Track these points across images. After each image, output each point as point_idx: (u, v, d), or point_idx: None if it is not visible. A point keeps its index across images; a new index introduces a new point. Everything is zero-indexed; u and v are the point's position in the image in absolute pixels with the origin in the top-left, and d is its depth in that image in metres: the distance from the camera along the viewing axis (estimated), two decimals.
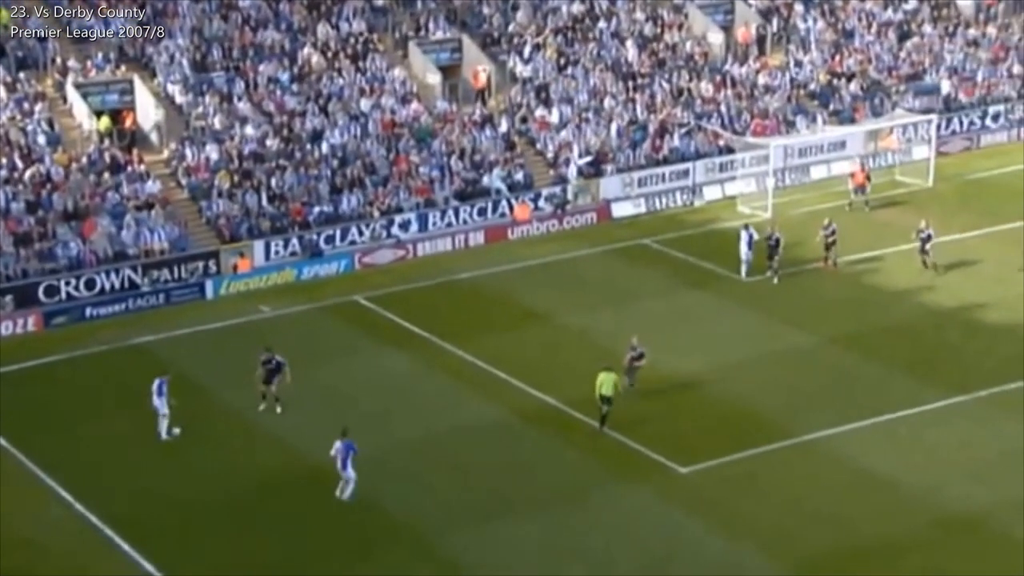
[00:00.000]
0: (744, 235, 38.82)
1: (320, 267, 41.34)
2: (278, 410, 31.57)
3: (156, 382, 30.47)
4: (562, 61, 50.20)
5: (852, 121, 49.82)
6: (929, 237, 39.57)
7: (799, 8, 55.27)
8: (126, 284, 39.43)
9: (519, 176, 45.81)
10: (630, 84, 49.89)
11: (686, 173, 46.89)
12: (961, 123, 51.56)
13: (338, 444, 27.41)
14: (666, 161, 47.16)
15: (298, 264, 41.31)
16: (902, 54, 54.08)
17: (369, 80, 47.88)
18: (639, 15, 52.88)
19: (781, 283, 38.70)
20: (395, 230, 43.19)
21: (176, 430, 30.49)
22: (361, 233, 42.68)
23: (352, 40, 49.06)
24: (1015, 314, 36.29)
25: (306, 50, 48.02)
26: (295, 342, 35.42)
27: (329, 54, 48.33)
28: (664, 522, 27.29)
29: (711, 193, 46.57)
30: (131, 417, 31.88)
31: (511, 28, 51.32)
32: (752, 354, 33.48)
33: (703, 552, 26.24)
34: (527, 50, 50.16)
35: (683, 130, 47.93)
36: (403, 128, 46.46)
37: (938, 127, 48.57)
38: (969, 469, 28.94)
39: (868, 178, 44.65)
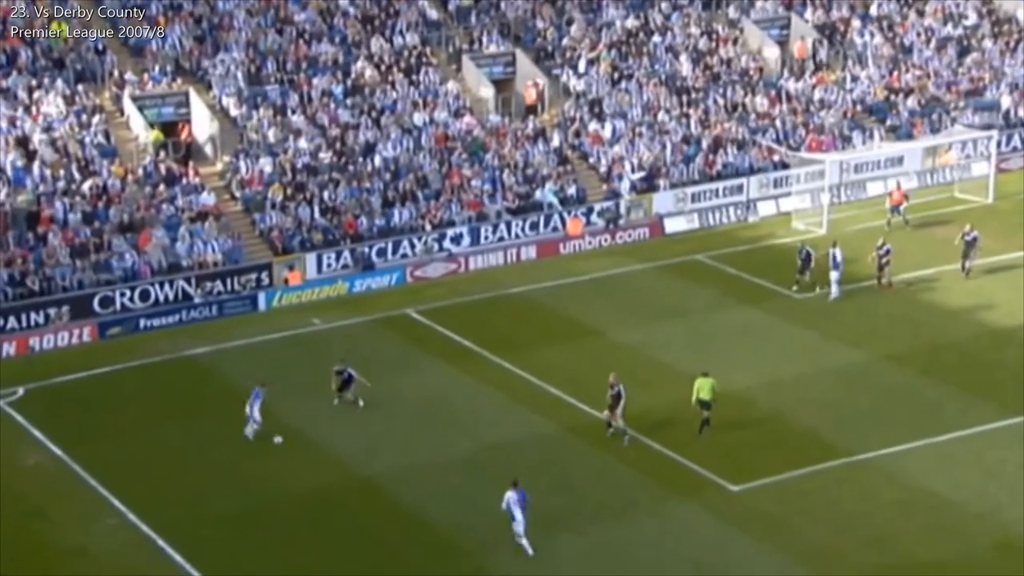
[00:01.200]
0: (832, 253, 38.58)
1: (372, 280, 41.64)
2: (360, 403, 32.48)
3: (253, 392, 31.01)
4: (616, 75, 50.43)
5: (910, 137, 49.78)
6: (975, 240, 39.57)
7: (856, 23, 55.21)
8: (180, 296, 39.91)
9: (571, 190, 45.96)
10: (684, 99, 50.06)
11: (740, 188, 46.94)
12: (1022, 139, 51.45)
13: (511, 495, 26.48)
14: (720, 176, 47.21)
15: (350, 277, 41.64)
16: (961, 69, 53.94)
17: (422, 93, 48.24)
18: (693, 29, 53.10)
19: (836, 301, 38.60)
20: (447, 244, 43.39)
21: (278, 438, 30.91)
22: (413, 246, 42.88)
23: (406, 53, 49.46)
24: None
25: (360, 63, 48.45)
26: (347, 355, 35.74)
27: (383, 67, 48.74)
28: (715, 540, 27.22)
29: (765, 209, 46.58)
30: (184, 428, 32.26)
31: (565, 42, 51.57)
32: (806, 371, 33.39)
33: (754, 571, 26.16)
34: (581, 64, 50.33)
35: (738, 146, 48.26)
36: (455, 142, 46.76)
37: (998, 143, 48.41)
38: None
39: (906, 196, 44.45)
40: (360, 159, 45.46)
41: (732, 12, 54.01)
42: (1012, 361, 34.67)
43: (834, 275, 38.70)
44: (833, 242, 39.28)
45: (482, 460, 30.43)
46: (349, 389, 32.64)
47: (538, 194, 45.52)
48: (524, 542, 26.65)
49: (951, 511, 28.03)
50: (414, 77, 48.77)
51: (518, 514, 26.56)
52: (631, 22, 52.60)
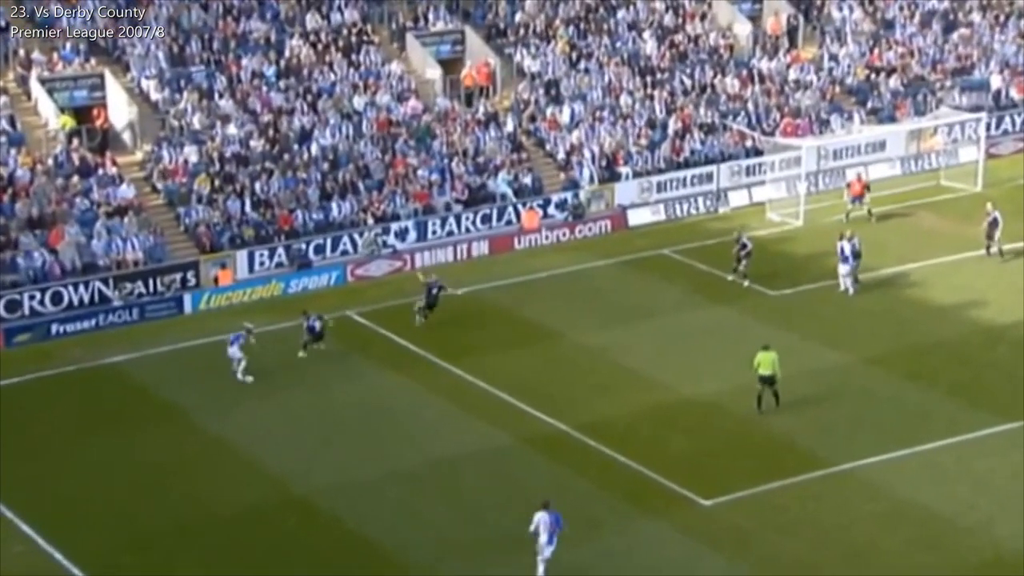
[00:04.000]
0: (841, 246, 38.81)
1: (309, 280, 41.62)
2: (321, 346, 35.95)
3: (232, 336, 34.41)
4: (574, 55, 50.54)
5: (893, 120, 50.02)
6: (996, 221, 40.11)
7: None
8: (96, 298, 39.71)
9: (527, 180, 46.11)
10: (648, 80, 50.09)
11: (710, 177, 47.06)
12: (1013, 122, 51.65)
13: (544, 516, 25.94)
14: (688, 164, 47.37)
15: (285, 277, 41.58)
16: (948, 47, 54.22)
17: (363, 75, 48.17)
18: (658, 4, 53.17)
19: (813, 298, 38.79)
20: (391, 239, 43.41)
21: (249, 378, 34.06)
22: (354, 242, 42.85)
23: (344, 31, 49.37)
24: None
25: (294, 42, 48.32)
26: (280, 361, 35.53)
27: (319, 47, 48.62)
28: (685, 558, 27.32)
29: (737, 199, 46.77)
30: (102, 443, 32.08)
31: (518, 18, 51.68)
32: (782, 375, 33.09)
33: None
34: (536, 42, 50.36)
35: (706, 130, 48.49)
36: (400, 128, 46.77)
37: (988, 126, 48.76)
38: (1022, 504, 28.85)
39: (867, 187, 44.70)
40: (295, 147, 45.42)
41: None
42: (1004, 362, 34.84)
43: (842, 269, 38.80)
44: (840, 234, 39.33)
45: (427, 475, 30.46)
46: (322, 340, 35.52)
47: (490, 184, 45.65)
48: (542, 570, 26.15)
49: (937, 525, 28.18)
50: (354, 57, 48.74)
51: (547, 537, 25.96)
52: None
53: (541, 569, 26.30)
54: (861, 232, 40.81)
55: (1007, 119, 51.45)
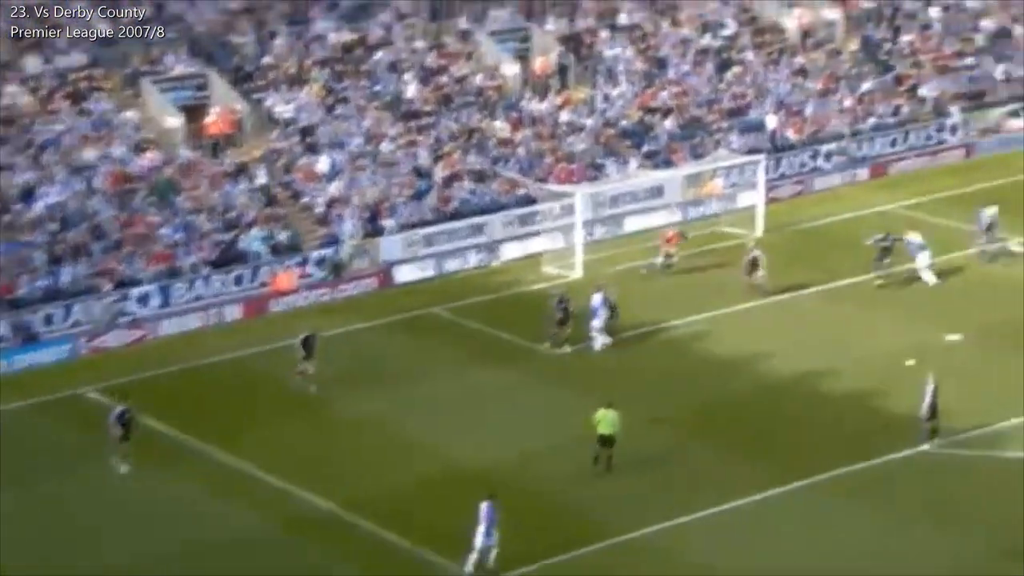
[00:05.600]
0: (594, 298, 39.42)
1: (36, 355, 40.26)
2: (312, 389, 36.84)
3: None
4: (330, 99, 50.36)
5: (669, 164, 50.79)
6: (756, 261, 42.14)
7: (604, 34, 56.21)
8: None
9: (282, 237, 45.45)
10: (412, 125, 50.29)
11: (481, 229, 47.34)
12: (791, 164, 52.80)
13: (484, 507, 27.90)
14: (457, 215, 47.53)
15: (7, 352, 40.01)
16: (722, 86, 55.32)
17: (94, 125, 46.94)
18: (419, 43, 53.46)
19: (598, 355, 39.32)
20: (131, 306, 42.28)
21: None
22: (89, 312, 41.56)
23: (71, 76, 47.89)
24: (860, 382, 37.11)
25: (10, 88, 46.58)
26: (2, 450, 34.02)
27: (42, 93, 47.11)
28: None
29: (511, 251, 47.11)
30: None
31: (266, 60, 51.40)
32: (562, 439, 33.38)
33: None
34: (287, 86, 50.05)
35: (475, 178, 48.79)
36: (138, 182, 45.79)
37: (766, 169, 49.39)
38: (816, 562, 29.35)
39: (683, 236, 45.63)
40: (17, 206, 43.75)
41: (463, 22, 54.57)
42: (794, 417, 35.67)
43: (594, 324, 39.32)
44: (598, 286, 39.97)
45: (174, 571, 29.70)
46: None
47: (242, 242, 44.92)
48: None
49: None
50: (83, 105, 47.33)
51: (491, 534, 28.17)
52: (346, 35, 52.56)
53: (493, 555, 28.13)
54: (651, 283, 41.46)
55: (784, 161, 52.54)
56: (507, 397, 36.88)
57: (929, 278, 43.46)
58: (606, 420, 31.96)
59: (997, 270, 44.61)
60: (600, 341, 39.53)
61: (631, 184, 48.91)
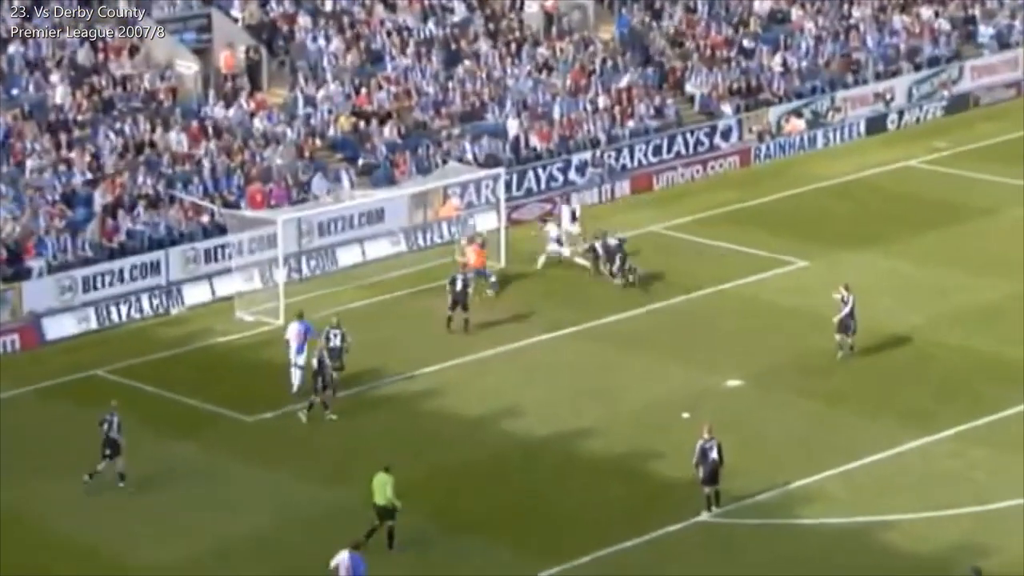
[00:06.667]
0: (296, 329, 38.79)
1: None
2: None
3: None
4: None
5: (391, 181, 49.12)
6: (616, 246, 43.18)
7: (305, 21, 54.46)
8: None
9: None
10: (61, 139, 47.31)
11: (156, 267, 45.08)
12: (538, 178, 51.20)
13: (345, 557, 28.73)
14: (124, 251, 45.10)
15: None
16: (452, 84, 53.69)
17: None
18: (68, 36, 50.64)
19: (315, 421, 37.62)
20: None
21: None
22: None
23: None
24: (618, 442, 35.99)
25: None
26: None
27: None
28: None
29: (195, 295, 44.81)
30: None
31: None
32: (265, 528, 32.39)
33: None
34: None
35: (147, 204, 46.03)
36: None
37: (508, 185, 48.42)
38: None
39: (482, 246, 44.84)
40: None
41: (124, 6, 51.97)
42: (545, 490, 34.43)
43: (297, 360, 38.38)
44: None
45: None
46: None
47: None
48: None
49: None
50: None
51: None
52: None
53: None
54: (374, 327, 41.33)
55: (530, 175, 50.90)
56: (198, 477, 35.14)
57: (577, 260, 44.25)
58: (378, 486, 31.23)
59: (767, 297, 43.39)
60: (299, 376, 38.60)
61: (344, 207, 47.41)
